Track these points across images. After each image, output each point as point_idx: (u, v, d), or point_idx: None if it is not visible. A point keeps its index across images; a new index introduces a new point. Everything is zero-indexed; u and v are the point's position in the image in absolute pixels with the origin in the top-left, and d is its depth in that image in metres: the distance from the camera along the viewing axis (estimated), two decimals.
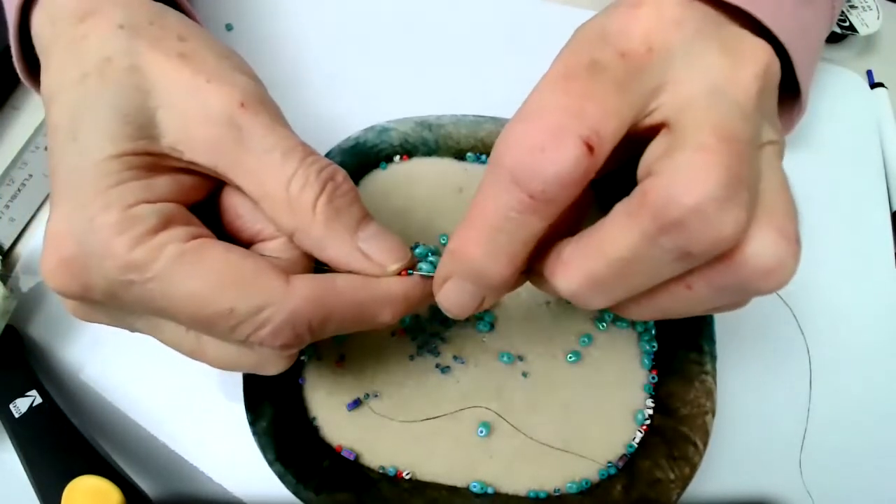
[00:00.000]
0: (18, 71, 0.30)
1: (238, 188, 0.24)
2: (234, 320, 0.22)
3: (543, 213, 0.20)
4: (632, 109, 0.20)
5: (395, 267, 0.24)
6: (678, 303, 0.21)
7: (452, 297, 0.23)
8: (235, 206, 0.25)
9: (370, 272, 0.24)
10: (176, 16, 0.26)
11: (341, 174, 0.24)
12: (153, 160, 0.23)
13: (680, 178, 0.18)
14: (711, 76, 0.20)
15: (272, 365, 0.25)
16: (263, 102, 0.24)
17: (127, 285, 0.22)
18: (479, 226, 0.21)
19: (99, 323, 0.25)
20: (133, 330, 0.25)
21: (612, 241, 0.20)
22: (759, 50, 0.21)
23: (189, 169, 0.24)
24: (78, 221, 0.22)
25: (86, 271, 0.22)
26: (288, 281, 0.22)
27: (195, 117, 0.23)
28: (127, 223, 0.21)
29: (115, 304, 0.23)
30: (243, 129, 0.23)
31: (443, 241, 0.34)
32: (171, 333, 0.24)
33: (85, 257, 0.22)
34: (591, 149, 0.19)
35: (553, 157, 0.19)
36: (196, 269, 0.22)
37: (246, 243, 0.25)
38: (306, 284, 0.23)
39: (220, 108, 0.23)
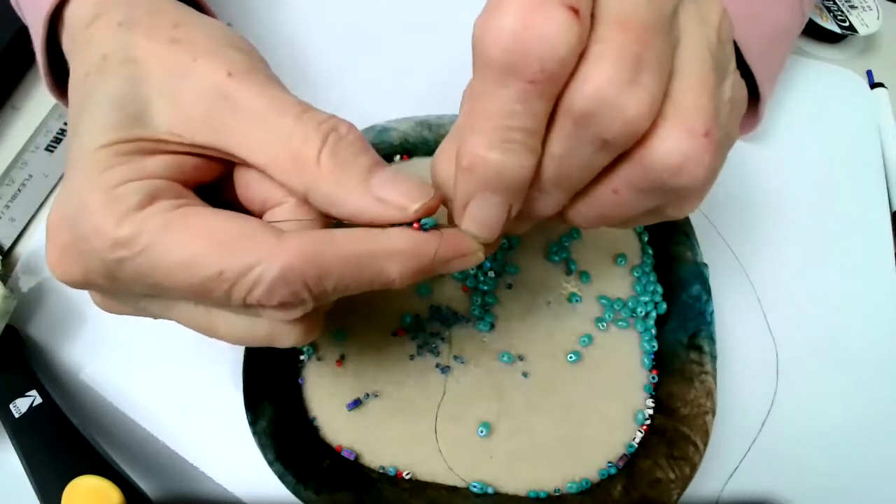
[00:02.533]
0: (47, 86, 0.31)
1: (244, 162, 0.24)
2: (225, 283, 0.21)
3: (547, 93, 0.19)
4: None
5: (417, 206, 0.22)
6: (611, 207, 0.22)
7: (480, 217, 0.22)
8: (246, 179, 0.25)
9: (390, 217, 0.22)
10: (174, 5, 0.26)
11: (345, 125, 0.24)
12: (150, 145, 0.23)
13: (581, 71, 0.19)
14: None
15: (285, 335, 0.24)
16: (254, 69, 0.24)
17: (120, 263, 0.22)
18: (485, 130, 0.20)
19: (124, 314, 0.25)
20: (155, 316, 0.25)
21: (548, 142, 0.20)
22: None
23: (194, 152, 0.24)
24: (70, 208, 0.22)
25: (82, 256, 0.22)
26: (279, 237, 0.22)
27: (186, 97, 0.23)
28: (112, 202, 0.22)
29: (118, 287, 0.23)
30: (234, 99, 0.23)
31: None
32: (182, 311, 0.24)
33: (79, 242, 0.22)
34: (576, 12, 0.18)
35: (540, 30, 0.18)
36: (182, 235, 0.21)
37: (258, 214, 0.25)
38: (299, 239, 0.22)
39: (206, 82, 0.23)
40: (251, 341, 0.25)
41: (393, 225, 0.22)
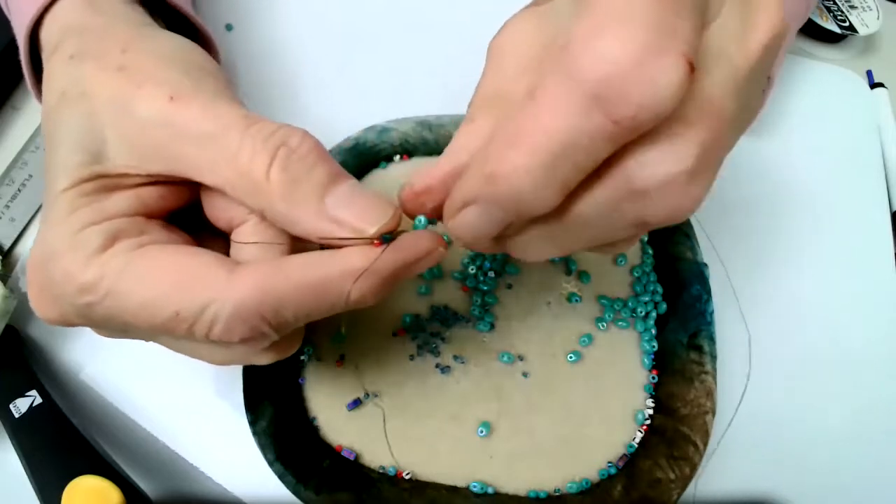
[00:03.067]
0: (35, 97, 0.30)
1: (203, 184, 0.23)
2: (184, 323, 0.21)
3: (623, 140, 0.17)
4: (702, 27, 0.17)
5: (374, 229, 0.21)
6: (570, 234, 0.20)
7: (472, 225, 0.20)
8: (210, 200, 0.24)
9: (346, 241, 0.22)
10: (128, 23, 0.25)
11: (296, 136, 0.22)
12: (112, 181, 0.23)
13: (658, 146, 0.17)
14: (730, 28, 0.18)
15: (261, 358, 0.24)
16: (198, 87, 0.23)
17: (89, 307, 0.22)
18: (534, 149, 0.17)
19: (118, 338, 0.25)
20: (145, 340, 0.25)
21: (583, 196, 0.19)
22: (773, 11, 0.19)
23: (156, 181, 0.23)
24: (43, 253, 0.22)
25: (57, 300, 0.22)
26: (231, 273, 0.21)
27: (134, 128, 0.22)
28: (76, 247, 0.22)
29: (95, 326, 0.23)
30: (177, 123, 0.22)
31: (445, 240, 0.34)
32: (164, 341, 0.24)
33: (52, 286, 0.22)
34: (692, 68, 0.16)
35: (653, 76, 0.15)
36: (139, 279, 0.21)
37: (227, 233, 0.25)
38: (250, 274, 0.21)
39: (149, 110, 0.22)
40: (232, 363, 0.25)
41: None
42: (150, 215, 0.24)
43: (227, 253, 0.25)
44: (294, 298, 0.21)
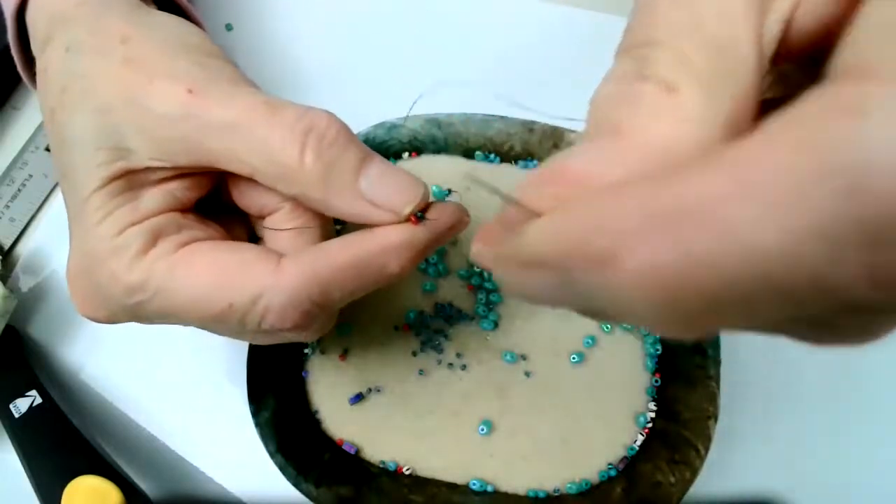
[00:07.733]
0: (25, 80, 0.30)
1: (231, 172, 0.23)
2: (237, 313, 0.22)
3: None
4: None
5: (408, 210, 0.22)
6: None
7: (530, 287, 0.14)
8: (239, 189, 0.25)
9: (384, 221, 0.22)
10: (118, 11, 0.24)
11: (323, 119, 0.22)
12: (139, 176, 0.23)
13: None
14: None
15: (305, 337, 0.25)
16: (214, 76, 0.23)
17: (139, 306, 0.22)
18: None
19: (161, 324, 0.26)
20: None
21: None
22: None
23: (180, 173, 0.23)
24: (82, 261, 0.23)
25: (105, 302, 0.23)
26: (278, 264, 0.22)
27: (153, 122, 0.22)
28: (118, 251, 0.22)
29: (145, 322, 0.24)
30: (200, 116, 0.22)
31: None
32: (213, 329, 0.25)
33: (98, 290, 0.23)
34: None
35: None
36: (187, 276, 0.22)
37: (259, 219, 0.25)
38: (295, 263, 0.22)
39: (168, 105, 0.22)
40: (275, 342, 0.26)
41: None
42: (184, 209, 0.24)
43: (251, 233, 0.26)
44: (340, 279, 0.22)
